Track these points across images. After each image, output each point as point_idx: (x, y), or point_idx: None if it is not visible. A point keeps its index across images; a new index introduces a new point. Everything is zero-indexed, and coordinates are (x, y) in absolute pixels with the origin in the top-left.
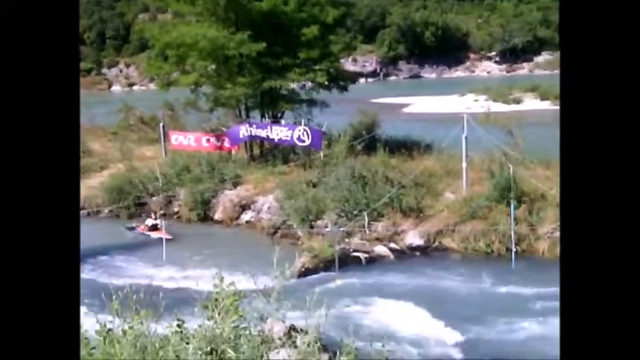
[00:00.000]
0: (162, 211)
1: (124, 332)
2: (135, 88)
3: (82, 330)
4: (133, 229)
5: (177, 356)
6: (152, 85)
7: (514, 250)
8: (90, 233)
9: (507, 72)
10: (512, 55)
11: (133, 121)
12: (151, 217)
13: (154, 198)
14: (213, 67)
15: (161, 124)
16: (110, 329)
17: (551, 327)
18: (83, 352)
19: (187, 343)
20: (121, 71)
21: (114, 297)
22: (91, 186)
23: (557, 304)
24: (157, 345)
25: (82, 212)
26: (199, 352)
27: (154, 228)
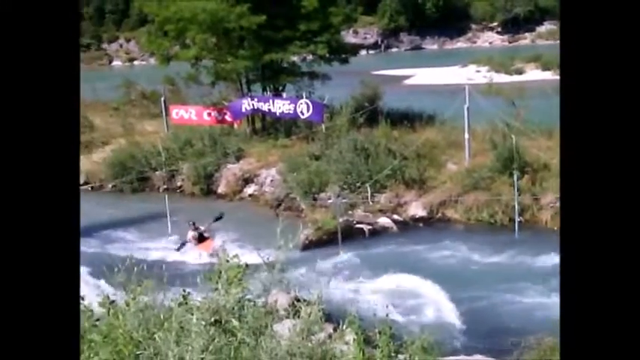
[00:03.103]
0: (165, 186)
1: (127, 304)
2: (135, 62)
3: (86, 302)
4: (183, 245)
5: (181, 327)
6: (152, 60)
7: (517, 220)
8: (94, 207)
9: (509, 42)
10: (515, 26)
11: (134, 96)
12: (191, 228)
13: (156, 172)
14: (214, 40)
15: (162, 99)
16: (113, 301)
17: (553, 296)
18: (86, 324)
19: (192, 314)
20: (121, 46)
21: (117, 270)
22: (94, 161)
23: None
24: (162, 316)
25: (85, 187)
26: (203, 323)
27: (202, 238)
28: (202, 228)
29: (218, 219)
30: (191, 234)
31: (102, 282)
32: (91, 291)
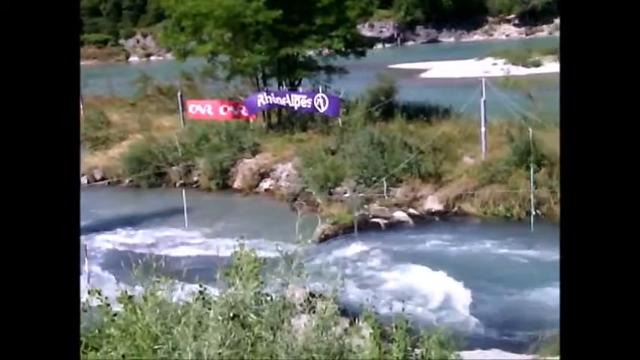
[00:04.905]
0: (181, 181)
1: (145, 299)
2: (152, 58)
3: (103, 297)
4: None
5: (199, 322)
6: (169, 55)
7: (533, 213)
8: (111, 202)
9: (526, 35)
10: (532, 18)
11: (151, 92)
12: None
13: (173, 168)
14: (230, 35)
15: (179, 94)
16: (131, 296)
17: None
18: (105, 318)
19: (209, 309)
20: (138, 42)
21: (135, 265)
22: (111, 157)
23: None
24: (179, 311)
25: (102, 182)
26: (221, 318)
27: None
28: None
29: None
30: None
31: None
32: (110, 286)
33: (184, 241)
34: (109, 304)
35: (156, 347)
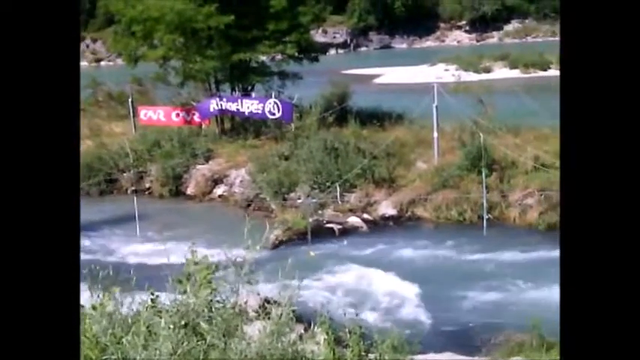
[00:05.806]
0: (133, 188)
1: (94, 307)
2: (102, 63)
3: None
4: None
5: (149, 331)
6: (120, 61)
7: (486, 217)
8: None
9: (477, 41)
10: (482, 24)
11: (101, 97)
12: None
13: (124, 174)
14: (182, 40)
15: (130, 100)
16: (80, 305)
17: (521, 293)
18: None
19: (160, 318)
20: (87, 47)
21: (85, 273)
22: None
23: (528, 269)
24: (129, 320)
25: None
26: (172, 326)
27: None
28: None
29: None
30: None
31: None
32: None
33: (135, 249)
34: None
35: (104, 358)
